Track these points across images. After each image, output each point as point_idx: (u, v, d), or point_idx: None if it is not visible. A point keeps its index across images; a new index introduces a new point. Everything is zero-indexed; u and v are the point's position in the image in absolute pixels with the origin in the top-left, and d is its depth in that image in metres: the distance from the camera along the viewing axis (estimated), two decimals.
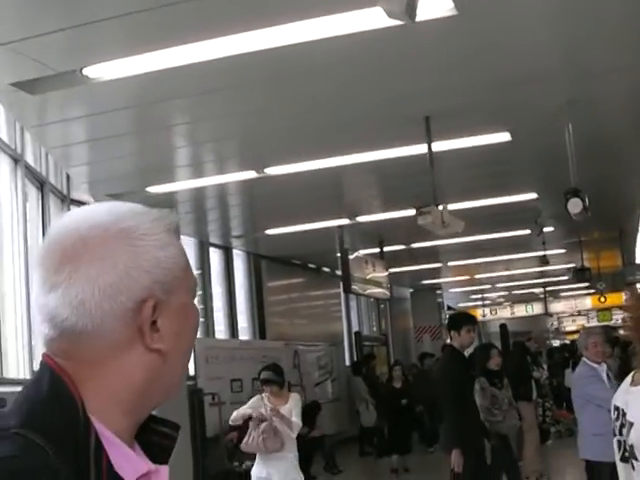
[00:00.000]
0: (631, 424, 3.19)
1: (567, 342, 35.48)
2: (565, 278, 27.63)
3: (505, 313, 34.04)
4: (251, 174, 11.37)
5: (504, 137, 10.19)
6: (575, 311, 38.99)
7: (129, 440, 1.38)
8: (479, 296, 34.63)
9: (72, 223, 1.39)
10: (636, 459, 3.16)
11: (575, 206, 9.31)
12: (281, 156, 10.82)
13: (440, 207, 9.54)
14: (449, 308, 33.59)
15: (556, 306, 34.70)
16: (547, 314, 34.77)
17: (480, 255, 21.86)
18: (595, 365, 8.11)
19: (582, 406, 8.05)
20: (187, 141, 10.25)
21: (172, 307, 1.39)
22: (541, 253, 19.39)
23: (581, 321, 45.57)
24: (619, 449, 3.39)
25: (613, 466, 7.79)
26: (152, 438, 1.44)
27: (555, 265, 23.36)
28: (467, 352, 8.97)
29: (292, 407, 8.90)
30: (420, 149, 9.85)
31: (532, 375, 14.58)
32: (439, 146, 9.77)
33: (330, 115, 9.26)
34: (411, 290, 28.64)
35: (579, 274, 20.08)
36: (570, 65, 8.46)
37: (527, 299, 33.37)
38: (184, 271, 1.43)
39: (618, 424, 3.39)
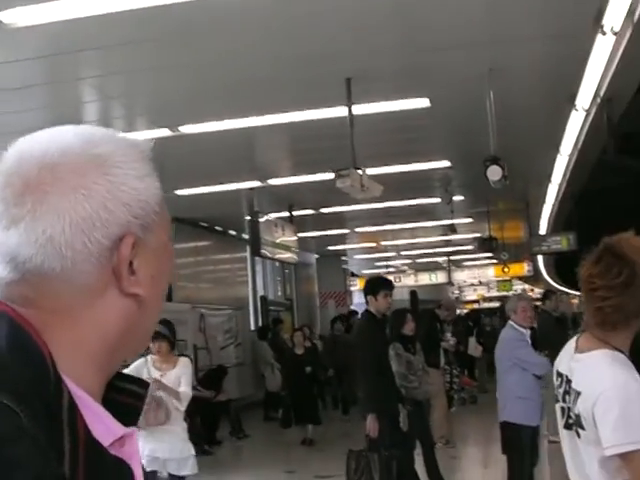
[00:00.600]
0: (578, 393, 3.11)
1: (467, 311, 36.01)
2: (469, 248, 27.94)
3: (409, 281, 34.31)
4: (162, 132, 11.07)
5: (423, 103, 10.11)
6: (477, 281, 39.54)
7: (98, 401, 1.19)
8: (383, 263, 34.82)
9: (35, 147, 1.19)
10: (582, 428, 3.09)
11: (495, 174, 9.32)
12: (193, 115, 10.56)
13: (359, 171, 9.42)
14: (353, 275, 33.70)
15: (459, 275, 35.16)
16: (450, 283, 35.19)
17: (387, 222, 21.87)
18: (522, 330, 8.19)
19: (508, 369, 8.12)
20: (98, 95, 9.92)
21: (149, 246, 1.21)
22: (449, 222, 19.51)
23: (482, 291, 46.44)
24: (562, 416, 3.32)
25: (534, 430, 7.96)
26: (116, 397, 1.25)
27: (461, 234, 23.58)
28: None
29: (181, 373, 8.00)
30: (339, 112, 9.70)
31: (441, 342, 14.67)
32: (358, 109, 9.64)
33: (245, 74, 9.03)
34: (317, 256, 28.60)
35: (486, 244, 20.33)
36: (492, 32, 8.40)
37: (431, 267, 33.70)
38: (161, 206, 1.25)
39: (562, 391, 3.31)
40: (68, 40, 7.76)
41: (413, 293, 14.12)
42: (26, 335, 1.12)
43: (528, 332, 8.45)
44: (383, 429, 8.16)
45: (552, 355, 10.50)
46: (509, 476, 8.29)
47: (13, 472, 0.98)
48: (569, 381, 3.23)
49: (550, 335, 11.85)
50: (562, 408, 3.32)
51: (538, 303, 17.07)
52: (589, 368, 3.13)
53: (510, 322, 8.35)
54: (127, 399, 1.27)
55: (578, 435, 3.15)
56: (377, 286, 8.66)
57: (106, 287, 1.17)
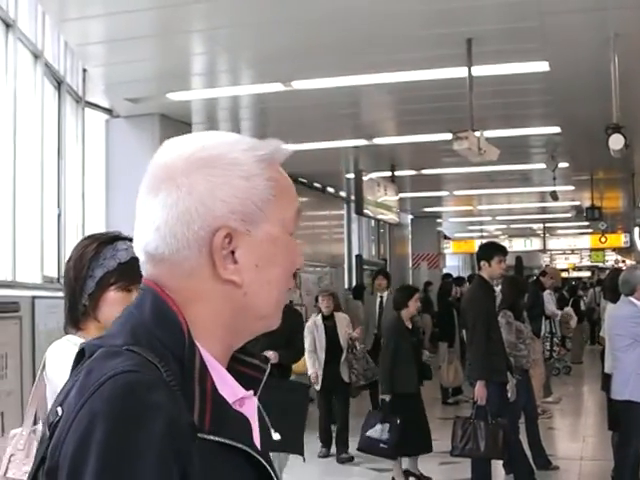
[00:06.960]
0: None
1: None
2: (567, 215, 27.41)
3: None
4: (271, 87, 10.93)
5: (543, 67, 9.83)
6: (569, 249, 38.89)
7: (223, 366, 1.45)
8: (477, 227, 34.41)
9: (163, 152, 1.46)
10: None
11: (617, 142, 9.02)
12: (302, 70, 10.36)
13: (477, 133, 9.23)
14: (445, 237, 33.40)
15: (555, 243, 34.54)
16: (544, 250, 34.66)
17: (487, 186, 21.49)
18: None
19: (628, 346, 7.89)
20: (206, 47, 9.86)
21: (255, 238, 1.43)
22: (550, 188, 19.12)
23: (574, 260, 45.70)
24: None
25: None
26: (241, 369, 1.52)
27: (560, 202, 23.12)
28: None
29: None
30: (457, 72, 9.50)
31: (545, 312, 14.42)
32: (477, 71, 9.42)
33: (360, 31, 8.83)
34: (411, 217, 28.40)
35: (588, 212, 19.95)
36: None
37: (526, 234, 33.22)
38: (273, 203, 1.44)
39: None
40: None
41: (519, 259, 13.78)
42: (167, 307, 1.39)
43: None
44: (491, 397, 8.08)
45: None
46: (618, 453, 8.11)
47: (152, 413, 1.22)
48: None
49: None
50: None
51: None
52: None
53: (630, 298, 8.06)
54: (247, 370, 1.53)
55: None
56: (491, 251, 8.52)
57: (210, 273, 1.41)
